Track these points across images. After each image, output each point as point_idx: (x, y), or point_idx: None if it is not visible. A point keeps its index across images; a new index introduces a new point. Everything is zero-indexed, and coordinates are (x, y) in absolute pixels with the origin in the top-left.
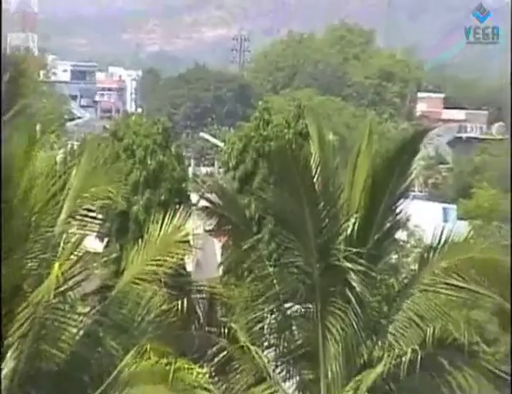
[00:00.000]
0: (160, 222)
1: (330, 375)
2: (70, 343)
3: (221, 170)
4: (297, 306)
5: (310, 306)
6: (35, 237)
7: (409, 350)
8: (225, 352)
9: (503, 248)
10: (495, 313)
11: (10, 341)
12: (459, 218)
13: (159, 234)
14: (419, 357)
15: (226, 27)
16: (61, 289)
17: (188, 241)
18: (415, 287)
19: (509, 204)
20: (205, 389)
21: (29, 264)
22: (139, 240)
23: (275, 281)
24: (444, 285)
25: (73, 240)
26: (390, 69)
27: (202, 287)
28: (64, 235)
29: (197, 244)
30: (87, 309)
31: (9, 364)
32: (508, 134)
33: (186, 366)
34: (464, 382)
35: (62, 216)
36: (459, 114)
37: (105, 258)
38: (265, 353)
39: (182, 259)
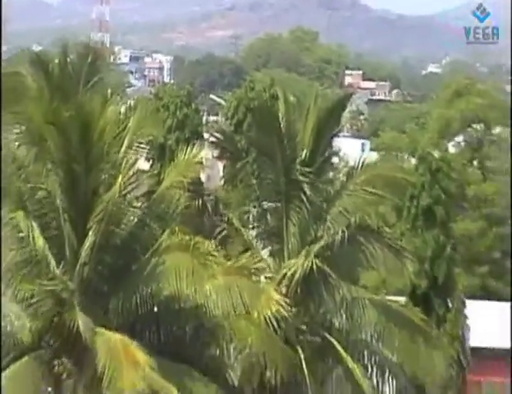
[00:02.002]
0: (184, 150)
1: (290, 246)
2: (128, 226)
3: (223, 119)
4: (270, 204)
5: (278, 204)
6: (107, 159)
7: (340, 231)
8: (225, 232)
9: (398, 168)
10: (393, 208)
11: (90, 225)
12: (371, 150)
13: (184, 158)
14: (346, 235)
15: (228, 29)
16: (123, 192)
17: (202, 163)
18: (344, 192)
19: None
20: (212, 255)
21: (103, 176)
22: (172, 162)
23: (256, 188)
24: (362, 190)
25: (130, 161)
26: (328, 56)
27: (210, 192)
28: (125, 159)
29: (208, 164)
30: (139, 204)
31: (90, 239)
32: (402, 98)
33: (200, 240)
34: (373, 251)
35: (124, 146)
36: (371, 84)
37: (150, 173)
38: (250, 232)
39: (198, 174)
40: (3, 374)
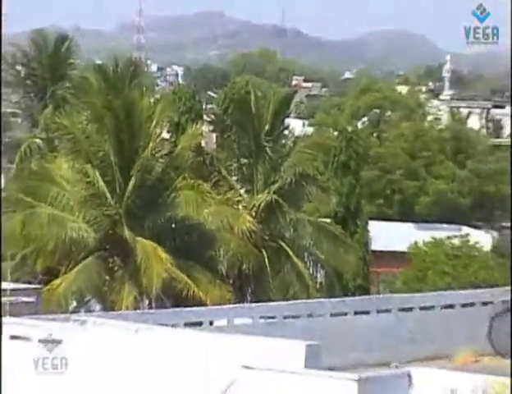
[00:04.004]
0: (191, 127)
1: (258, 187)
2: (156, 174)
3: (215, 106)
4: (245, 160)
5: (251, 160)
6: (143, 130)
7: (289, 178)
8: (216, 178)
9: (326, 137)
10: (325, 164)
11: (132, 173)
12: (309, 126)
13: (191, 131)
14: (293, 180)
15: (219, 50)
16: (153, 152)
17: (202, 133)
18: (293, 152)
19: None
20: (209, 192)
21: (140, 142)
22: (183, 134)
23: (236, 150)
24: (303, 152)
25: (157, 133)
26: (282, 67)
27: (208, 152)
28: (154, 131)
29: (206, 135)
30: (163, 160)
31: (132, 182)
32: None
33: (201, 183)
34: (310, 190)
35: (153, 123)
36: (309, 85)
37: (170, 141)
38: (232, 178)
39: (200, 141)
40: (77, 268)
